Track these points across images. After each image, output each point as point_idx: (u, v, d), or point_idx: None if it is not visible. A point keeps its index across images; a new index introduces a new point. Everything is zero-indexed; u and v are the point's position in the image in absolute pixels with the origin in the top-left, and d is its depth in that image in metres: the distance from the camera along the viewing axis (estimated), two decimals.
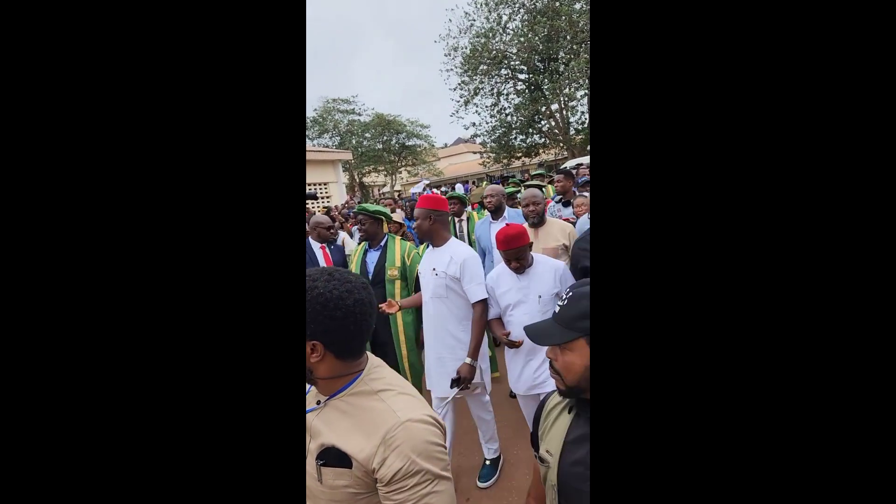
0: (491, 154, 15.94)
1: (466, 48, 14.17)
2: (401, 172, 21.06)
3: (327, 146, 18.47)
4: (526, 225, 2.32)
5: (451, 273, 1.91)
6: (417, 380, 2.35)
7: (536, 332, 0.80)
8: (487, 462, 2.16)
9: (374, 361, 0.82)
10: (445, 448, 0.73)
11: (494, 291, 1.90)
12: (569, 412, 0.81)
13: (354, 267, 2.52)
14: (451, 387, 1.82)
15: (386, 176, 20.61)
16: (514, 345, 1.76)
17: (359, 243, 2.59)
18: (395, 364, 2.33)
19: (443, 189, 14.98)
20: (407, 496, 0.68)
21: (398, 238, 2.50)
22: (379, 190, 22.21)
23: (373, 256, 2.49)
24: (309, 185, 13.74)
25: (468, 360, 1.83)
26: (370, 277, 2.41)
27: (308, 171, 13.75)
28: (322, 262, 2.92)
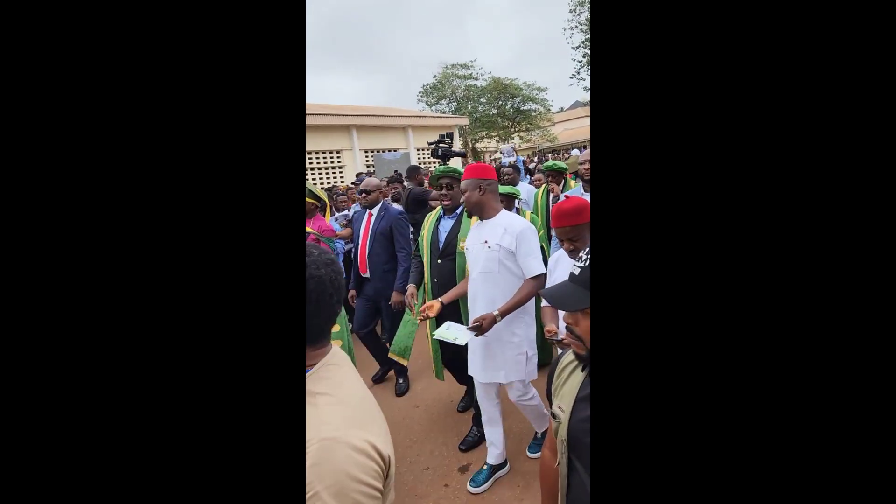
0: None
1: None
2: (513, 138, 20.87)
3: (444, 112, 19.09)
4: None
5: (505, 246, 1.76)
6: None
7: (559, 298, 0.75)
8: (485, 467, 2.04)
9: (333, 357, 0.67)
10: (376, 491, 0.55)
11: (550, 277, 1.68)
12: (581, 370, 0.81)
13: (427, 235, 2.27)
14: (468, 327, 1.73)
15: (498, 142, 20.64)
16: (562, 345, 1.49)
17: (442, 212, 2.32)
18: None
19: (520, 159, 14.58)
20: None
21: None
22: (490, 156, 22.37)
23: (446, 225, 2.23)
24: (426, 149, 14.53)
25: (496, 312, 1.71)
26: (441, 248, 2.19)
27: (426, 136, 14.52)
28: (362, 228, 2.81)
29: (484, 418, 2.02)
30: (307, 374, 0.62)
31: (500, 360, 1.85)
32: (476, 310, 1.85)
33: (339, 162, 12.50)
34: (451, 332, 1.78)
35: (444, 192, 2.17)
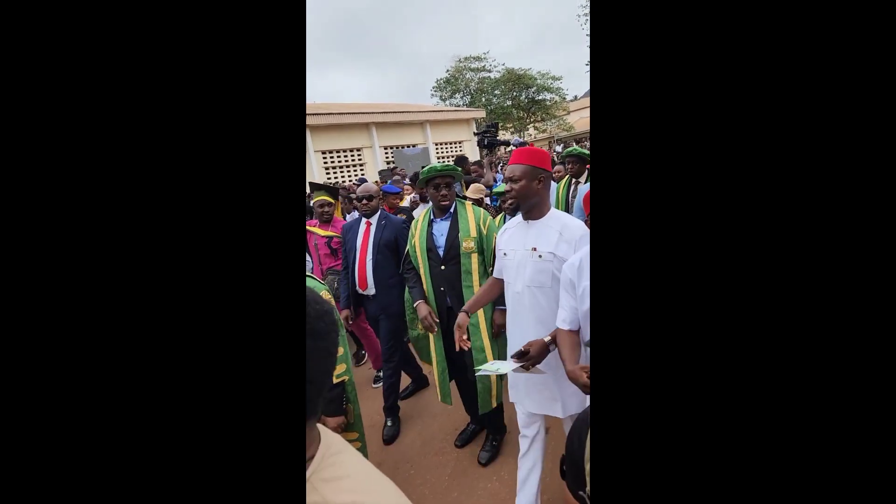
0: None
1: None
2: (528, 129, 20.79)
3: (458, 105, 19.12)
4: None
5: (560, 255, 1.42)
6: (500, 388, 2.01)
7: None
8: None
9: (331, 442, 0.53)
10: None
11: (575, 286, 1.30)
12: None
13: (419, 241, 2.07)
14: (512, 356, 1.42)
15: (512, 133, 20.59)
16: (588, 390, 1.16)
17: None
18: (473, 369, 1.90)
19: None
20: None
21: (468, 203, 2.07)
22: (505, 149, 22.26)
23: (441, 227, 2.04)
24: (443, 143, 14.64)
25: (547, 339, 1.39)
26: (443, 253, 1.99)
27: (443, 130, 14.61)
28: (359, 239, 2.53)
29: (521, 456, 1.64)
30: (308, 475, 0.48)
31: (556, 389, 1.49)
32: (518, 325, 1.55)
33: (359, 160, 12.70)
34: (494, 365, 1.50)
35: (444, 192, 1.99)
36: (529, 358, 1.36)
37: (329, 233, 2.83)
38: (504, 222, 1.92)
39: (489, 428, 2.16)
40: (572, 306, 1.31)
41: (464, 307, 1.70)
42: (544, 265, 1.46)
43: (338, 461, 0.50)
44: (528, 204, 1.47)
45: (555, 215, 1.52)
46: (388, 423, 2.52)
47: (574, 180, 3.29)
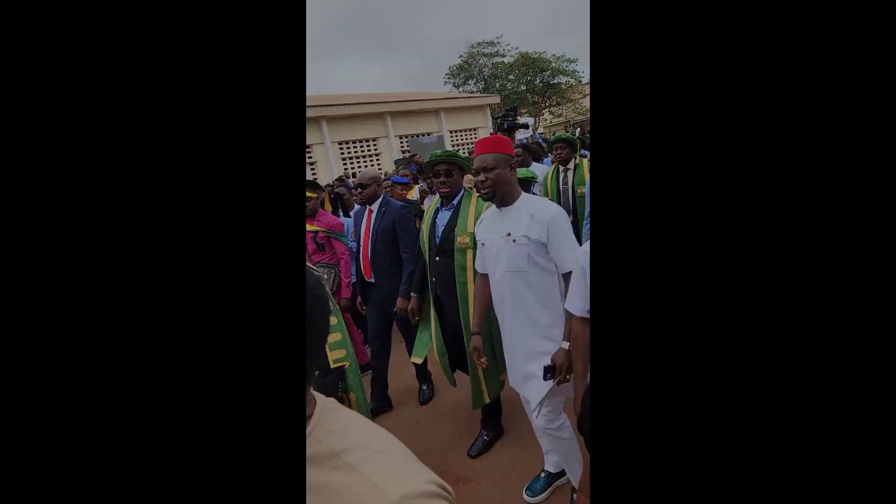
0: None
1: None
2: (543, 114, 20.52)
3: (472, 92, 18.97)
4: None
5: (535, 237, 1.45)
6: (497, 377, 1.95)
7: None
8: (542, 474, 1.76)
9: (326, 402, 0.56)
10: None
11: (586, 275, 1.26)
12: None
13: (426, 230, 2.06)
14: (545, 377, 1.41)
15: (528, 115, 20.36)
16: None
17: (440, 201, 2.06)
18: (464, 355, 1.90)
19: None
20: None
21: (475, 195, 1.92)
22: (523, 133, 21.99)
23: (443, 217, 1.99)
24: (458, 131, 14.61)
25: (565, 345, 1.40)
26: (437, 244, 1.97)
27: (458, 118, 14.56)
28: (363, 227, 2.47)
29: (536, 430, 1.74)
30: (310, 428, 0.51)
31: (529, 371, 1.54)
32: (502, 314, 1.59)
33: (375, 150, 12.80)
34: (535, 392, 1.55)
35: (442, 179, 1.92)
36: (560, 369, 1.40)
37: (314, 227, 2.67)
38: None
39: (484, 420, 2.10)
40: (584, 294, 1.30)
41: (473, 328, 1.71)
42: (520, 249, 1.47)
43: (336, 416, 0.54)
44: (503, 191, 1.51)
45: (525, 199, 1.54)
46: (424, 388, 2.64)
47: (563, 168, 3.12)
